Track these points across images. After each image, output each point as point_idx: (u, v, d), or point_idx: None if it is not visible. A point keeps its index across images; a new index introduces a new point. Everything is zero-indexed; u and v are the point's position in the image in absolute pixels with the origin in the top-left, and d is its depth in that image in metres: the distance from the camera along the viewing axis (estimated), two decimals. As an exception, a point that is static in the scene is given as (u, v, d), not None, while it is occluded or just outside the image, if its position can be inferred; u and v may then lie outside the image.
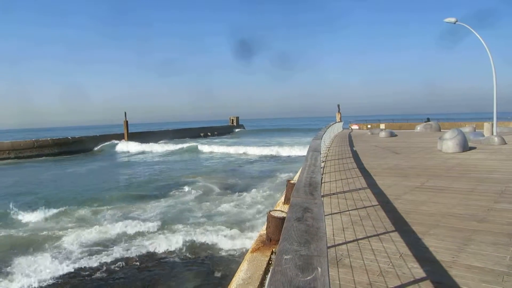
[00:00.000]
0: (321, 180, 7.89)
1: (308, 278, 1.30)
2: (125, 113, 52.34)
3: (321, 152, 9.42)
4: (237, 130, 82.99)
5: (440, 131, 27.11)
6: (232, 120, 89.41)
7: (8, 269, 9.29)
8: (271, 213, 4.43)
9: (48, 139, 43.54)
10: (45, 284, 8.64)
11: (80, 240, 11.01)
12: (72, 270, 9.20)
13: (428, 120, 34.52)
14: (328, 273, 1.38)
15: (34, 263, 9.50)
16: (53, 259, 9.73)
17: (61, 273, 9.06)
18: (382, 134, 24.13)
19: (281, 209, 5.45)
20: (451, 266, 3.61)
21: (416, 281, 3.32)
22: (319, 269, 1.37)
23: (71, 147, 43.55)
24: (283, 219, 4.21)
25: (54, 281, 8.75)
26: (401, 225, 5.00)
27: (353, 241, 4.46)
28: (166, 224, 12.35)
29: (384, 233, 4.68)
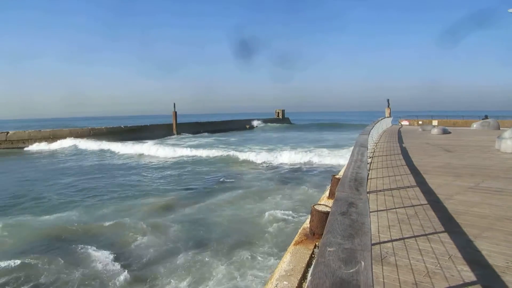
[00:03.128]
0: (368, 176, 7.76)
1: (351, 271, 1.33)
2: (174, 104, 53.29)
3: (368, 147, 9.21)
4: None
5: (499, 129, 25.33)
6: (278, 112, 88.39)
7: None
8: (315, 207, 4.44)
9: (103, 127, 46.45)
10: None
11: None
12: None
13: (486, 117, 32.23)
14: (372, 268, 1.40)
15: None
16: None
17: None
18: (434, 131, 23.02)
19: (325, 203, 5.43)
20: (504, 272, 3.44)
21: (465, 285, 3.20)
22: (363, 263, 1.39)
23: (124, 135, 45.93)
24: (327, 213, 4.21)
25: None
26: (451, 226, 4.80)
27: (399, 239, 4.36)
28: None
29: (432, 233, 4.52)
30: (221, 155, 27.55)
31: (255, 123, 76.81)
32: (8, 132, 39.27)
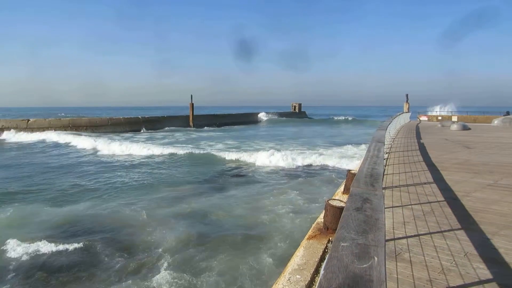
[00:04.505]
0: (384, 172, 7.70)
1: (364, 266, 1.34)
2: (191, 96, 53.36)
3: (385, 143, 9.11)
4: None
5: (521, 125, 24.70)
6: (294, 106, 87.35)
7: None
8: (329, 201, 4.44)
9: (121, 118, 47.03)
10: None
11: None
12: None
13: (508, 113, 31.27)
14: (385, 263, 1.41)
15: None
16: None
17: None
18: (454, 126, 22.57)
19: (339, 198, 5.42)
20: (523, 270, 3.39)
21: (481, 282, 3.17)
22: (376, 258, 1.40)
23: (141, 126, 46.68)
24: (341, 208, 4.21)
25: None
26: (468, 224, 4.74)
27: (414, 236, 4.33)
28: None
29: (448, 230, 4.47)
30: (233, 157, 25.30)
31: (270, 116, 76.04)
32: (28, 120, 40.05)
